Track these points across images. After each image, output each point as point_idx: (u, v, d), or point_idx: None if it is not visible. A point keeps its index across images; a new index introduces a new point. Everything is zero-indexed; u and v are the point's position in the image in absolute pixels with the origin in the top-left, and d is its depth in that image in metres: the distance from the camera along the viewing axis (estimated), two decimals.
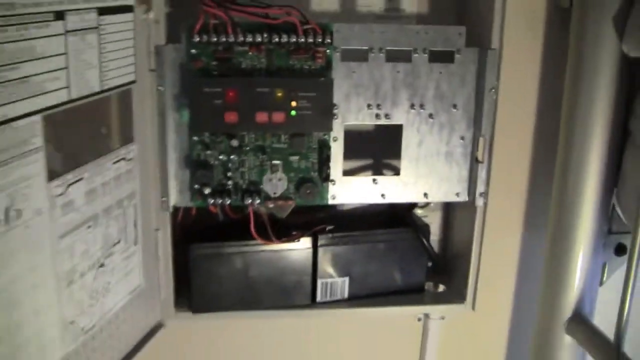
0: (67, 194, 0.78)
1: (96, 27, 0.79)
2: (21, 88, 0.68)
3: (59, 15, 0.72)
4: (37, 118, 0.71)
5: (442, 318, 1.26)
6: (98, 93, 0.81)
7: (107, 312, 0.90)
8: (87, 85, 0.79)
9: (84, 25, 0.77)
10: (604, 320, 1.09)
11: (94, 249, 0.85)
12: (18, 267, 0.71)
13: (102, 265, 0.87)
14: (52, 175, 0.75)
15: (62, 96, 0.74)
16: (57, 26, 0.72)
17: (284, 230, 1.06)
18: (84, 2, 0.76)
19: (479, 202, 1.05)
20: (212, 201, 1.00)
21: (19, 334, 0.72)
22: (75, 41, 0.75)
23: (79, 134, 0.79)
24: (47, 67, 0.71)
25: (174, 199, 1.00)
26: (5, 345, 0.70)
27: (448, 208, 1.20)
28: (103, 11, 0.80)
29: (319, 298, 1.11)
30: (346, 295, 1.12)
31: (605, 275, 1.16)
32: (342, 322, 1.24)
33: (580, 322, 1.12)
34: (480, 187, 1.05)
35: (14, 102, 0.67)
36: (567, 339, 1.14)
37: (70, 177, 0.78)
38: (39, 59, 0.70)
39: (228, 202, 1.00)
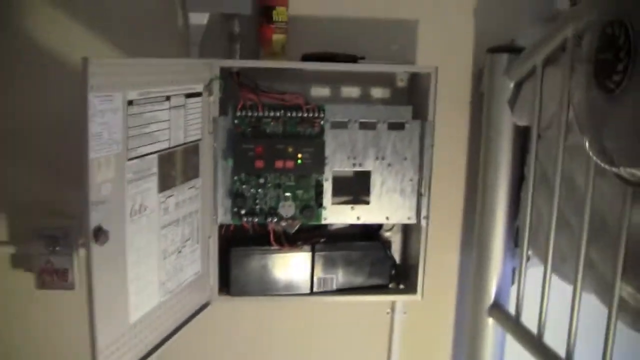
0: (166, 202, 1.37)
1: (183, 105, 1.40)
2: (148, 138, 1.28)
3: (167, 98, 1.33)
4: (155, 156, 1.30)
5: (405, 313, 1.83)
6: (182, 144, 1.41)
7: (181, 283, 1.46)
8: (177, 139, 1.38)
9: (178, 104, 1.38)
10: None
11: (177, 239, 1.43)
12: (141, 241, 1.29)
13: (180, 252, 1.45)
14: (160, 189, 1.34)
15: (166, 144, 1.34)
16: (166, 104, 1.33)
17: (292, 241, 1.63)
18: (179, 91, 1.37)
19: (423, 223, 1.62)
20: (245, 219, 1.58)
21: (141, 280, 1.30)
22: (174, 112, 1.36)
23: (173, 168, 1.39)
24: (160, 127, 1.31)
25: (220, 217, 1.58)
26: (136, 285, 1.28)
27: (406, 230, 1.75)
28: (188, 95, 1.41)
29: (315, 289, 1.66)
30: (335, 287, 1.66)
31: (515, 276, 1.72)
32: (333, 306, 1.79)
33: (497, 308, 1.69)
34: (423, 212, 1.62)
35: (145, 145, 1.27)
36: (490, 320, 1.71)
37: (168, 192, 1.37)
38: (157, 122, 1.30)
39: (256, 220, 1.58)
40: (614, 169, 1.06)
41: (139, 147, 1.24)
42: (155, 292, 1.36)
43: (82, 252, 1.67)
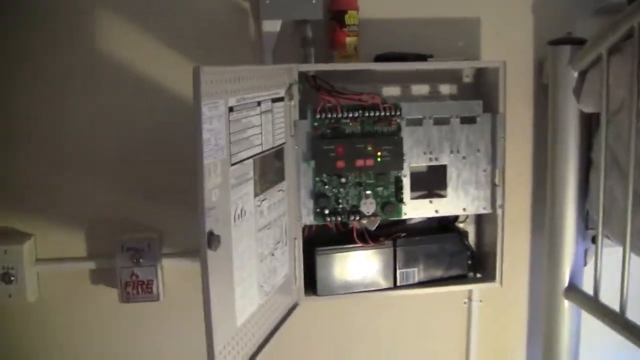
0: (261, 206, 1.30)
1: (271, 110, 1.33)
2: (246, 143, 1.21)
3: (259, 103, 1.26)
4: (251, 160, 1.24)
5: (481, 301, 1.75)
6: (272, 148, 1.34)
7: (275, 285, 1.40)
8: (268, 143, 1.32)
9: (267, 109, 1.31)
10: None
11: (270, 242, 1.36)
12: (243, 245, 1.22)
13: (273, 254, 1.38)
14: (256, 193, 1.27)
15: (259, 149, 1.27)
16: (258, 109, 1.26)
17: (373, 237, 1.56)
18: (267, 96, 1.30)
19: (499, 212, 1.56)
20: (329, 219, 1.51)
21: (245, 284, 1.23)
22: (264, 117, 1.29)
23: (265, 172, 1.31)
24: (255, 132, 1.25)
25: (304, 218, 1.51)
26: (241, 288, 1.21)
27: (479, 221, 1.69)
28: (274, 100, 1.34)
29: (398, 282, 1.59)
30: (417, 280, 1.60)
31: (587, 258, 1.65)
32: (416, 299, 1.72)
33: (574, 290, 1.62)
34: (498, 202, 1.55)
35: (244, 150, 1.20)
36: (566, 303, 1.63)
37: (262, 196, 1.30)
38: (252, 127, 1.23)
39: (339, 219, 1.51)
40: None
41: (239, 152, 1.18)
42: (256, 295, 1.30)
43: (165, 262, 1.59)
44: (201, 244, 1.05)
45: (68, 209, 1.59)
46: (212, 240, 1.06)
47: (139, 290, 1.57)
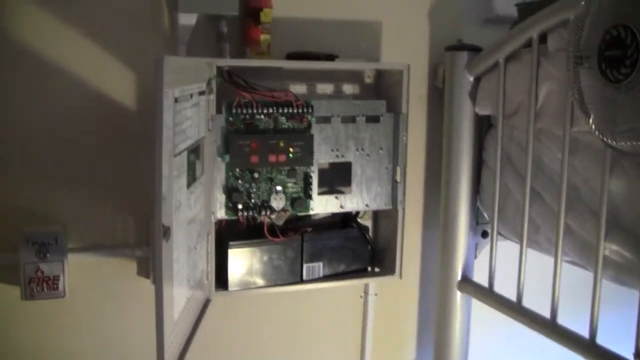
0: (190, 199, 1.31)
1: (198, 103, 1.34)
2: (183, 135, 1.22)
3: (191, 96, 1.27)
4: (185, 152, 1.24)
5: (376, 294, 1.84)
6: (197, 141, 1.35)
7: (196, 279, 1.40)
8: (195, 136, 1.33)
9: (195, 102, 1.32)
10: None
11: (194, 236, 1.36)
12: (179, 238, 1.22)
13: (195, 248, 1.38)
14: (187, 185, 1.27)
15: (191, 141, 1.28)
16: (190, 101, 1.27)
17: (282, 232, 1.60)
18: (196, 89, 1.31)
19: (400, 208, 1.65)
20: (240, 214, 1.54)
21: (178, 277, 1.23)
22: (194, 110, 1.30)
23: (193, 164, 1.32)
24: (188, 124, 1.26)
25: (218, 213, 1.52)
26: (178, 281, 1.21)
27: (376, 216, 1.78)
28: (200, 93, 1.35)
29: (304, 277, 1.64)
30: (322, 274, 1.66)
31: (477, 251, 1.78)
32: (319, 293, 1.76)
33: (466, 282, 1.74)
34: (399, 198, 1.65)
35: (182, 142, 1.21)
36: (459, 294, 1.75)
37: (191, 189, 1.31)
38: (187, 119, 1.24)
39: (250, 214, 1.54)
40: (619, 144, 1.16)
41: (179, 143, 1.18)
42: (185, 289, 1.29)
43: (71, 258, 1.53)
44: (156, 234, 1.05)
45: None
46: (165, 231, 1.07)
47: (44, 286, 1.50)
